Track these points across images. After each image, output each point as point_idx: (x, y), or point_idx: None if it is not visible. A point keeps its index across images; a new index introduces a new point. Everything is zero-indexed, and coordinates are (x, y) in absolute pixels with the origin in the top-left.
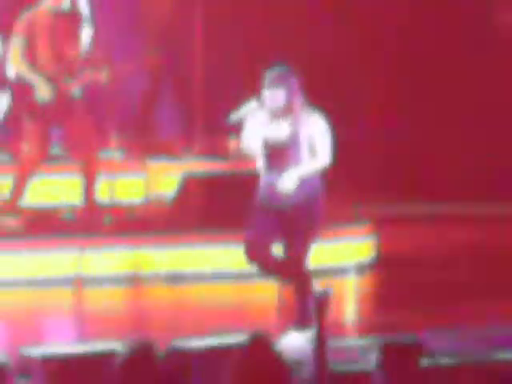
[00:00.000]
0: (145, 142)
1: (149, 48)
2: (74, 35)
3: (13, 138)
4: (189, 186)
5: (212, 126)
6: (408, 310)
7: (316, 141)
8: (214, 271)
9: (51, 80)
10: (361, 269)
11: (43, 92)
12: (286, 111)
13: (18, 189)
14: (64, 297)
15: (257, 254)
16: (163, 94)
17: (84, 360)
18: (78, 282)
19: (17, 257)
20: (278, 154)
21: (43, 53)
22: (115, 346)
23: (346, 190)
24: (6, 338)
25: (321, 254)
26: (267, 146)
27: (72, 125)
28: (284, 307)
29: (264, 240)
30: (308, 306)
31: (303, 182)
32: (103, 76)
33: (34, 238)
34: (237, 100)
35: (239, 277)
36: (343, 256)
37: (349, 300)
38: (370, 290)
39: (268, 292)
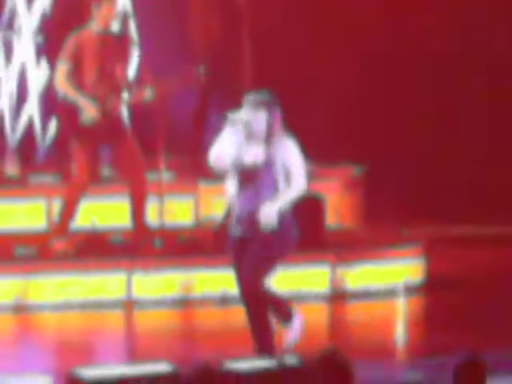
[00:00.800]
0: (195, 163)
1: (196, 64)
2: (121, 56)
3: (62, 160)
4: None
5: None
6: (458, 332)
7: (291, 165)
8: None
9: (98, 101)
10: (410, 290)
11: (90, 113)
12: (265, 135)
13: (68, 211)
14: (114, 319)
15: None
16: (213, 112)
17: (134, 382)
18: (129, 305)
19: (67, 279)
20: (252, 178)
21: (90, 75)
22: (165, 368)
23: (396, 212)
24: (56, 360)
25: (369, 275)
26: (241, 169)
27: (120, 146)
28: (336, 328)
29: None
30: (264, 334)
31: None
32: (148, 94)
33: (83, 260)
34: (285, 116)
35: (288, 298)
36: (392, 277)
37: (397, 322)
38: (420, 311)
39: (318, 314)
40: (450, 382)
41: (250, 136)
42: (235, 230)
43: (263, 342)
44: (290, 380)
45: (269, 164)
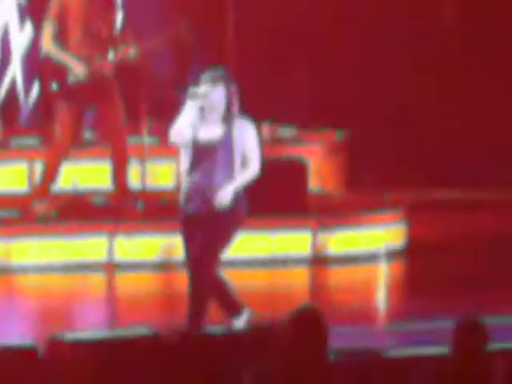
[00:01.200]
0: None
1: (180, 23)
2: (106, 16)
3: (44, 122)
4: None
5: (244, 110)
6: (438, 297)
7: (248, 148)
8: (244, 257)
9: (84, 61)
10: (391, 255)
11: (76, 73)
12: (222, 112)
13: (49, 174)
14: (96, 282)
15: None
16: (196, 74)
17: (114, 345)
18: (110, 268)
19: (48, 242)
20: (207, 156)
21: (75, 34)
22: (145, 331)
23: (378, 177)
24: (37, 323)
25: (351, 240)
26: (196, 145)
27: (106, 107)
28: (314, 292)
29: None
30: (197, 316)
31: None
32: (133, 52)
33: (65, 223)
34: (265, 87)
35: (269, 263)
36: (374, 242)
37: (379, 286)
38: (401, 276)
39: (299, 278)
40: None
41: (207, 111)
42: (186, 207)
43: (194, 322)
44: (261, 340)
45: (226, 142)
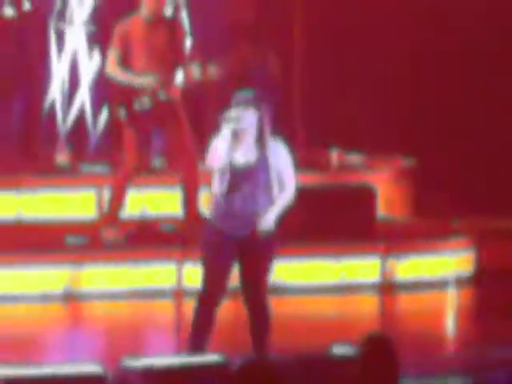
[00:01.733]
0: None
1: (248, 46)
2: (172, 41)
3: (112, 149)
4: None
5: (312, 138)
6: (509, 324)
7: (281, 169)
8: (313, 284)
9: (149, 88)
10: (460, 282)
11: (142, 99)
12: (255, 135)
13: (117, 200)
14: (164, 309)
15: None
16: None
17: (184, 372)
18: (178, 295)
19: (116, 269)
20: (246, 179)
21: (139, 63)
22: (214, 358)
23: (447, 203)
24: (105, 349)
25: (420, 266)
26: (234, 170)
27: (173, 132)
28: (384, 319)
29: (224, 269)
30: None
31: (259, 215)
32: (196, 75)
33: (133, 249)
34: (333, 114)
35: (339, 290)
36: (443, 269)
37: (448, 313)
38: (470, 303)
39: (368, 305)
40: None
41: (240, 135)
42: (224, 229)
43: (262, 348)
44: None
45: (262, 165)
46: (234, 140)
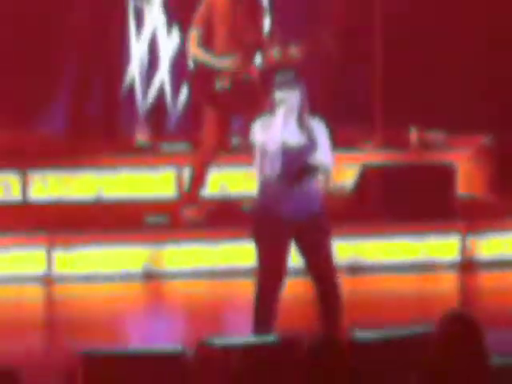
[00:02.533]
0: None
1: (326, 34)
2: (252, 20)
3: (192, 128)
4: (368, 176)
5: (392, 117)
6: None
7: (321, 146)
8: (392, 262)
9: (229, 70)
10: None
11: (223, 79)
12: (298, 115)
13: (198, 179)
14: (244, 288)
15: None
16: (341, 82)
17: (264, 350)
18: (254, 273)
19: (198, 247)
20: (297, 160)
21: (222, 41)
22: (292, 336)
23: None
24: (185, 328)
25: (501, 244)
26: (286, 151)
27: (253, 113)
28: (463, 297)
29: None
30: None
31: (313, 194)
32: (294, 52)
33: (213, 228)
34: (414, 92)
35: (418, 268)
36: None
37: None
38: None
39: (448, 283)
40: None
41: (286, 115)
42: (279, 210)
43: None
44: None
45: (312, 144)
46: (278, 123)
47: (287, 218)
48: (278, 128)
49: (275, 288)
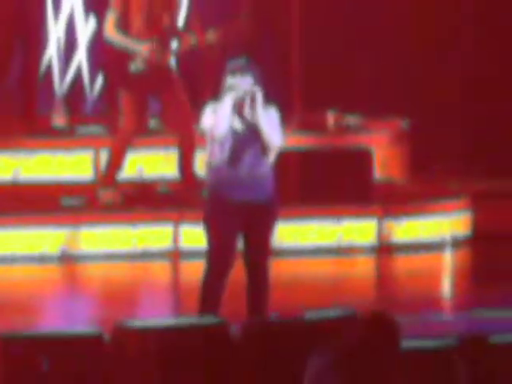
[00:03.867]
0: None
1: (243, 15)
2: (168, 4)
3: (109, 110)
4: (286, 160)
5: (310, 99)
6: (503, 286)
7: (272, 129)
8: (311, 245)
9: (145, 54)
10: (456, 244)
11: (138, 62)
12: (251, 100)
13: (115, 162)
14: (160, 270)
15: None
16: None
17: (180, 332)
18: (175, 255)
19: (114, 230)
20: (247, 145)
21: (137, 23)
22: (211, 319)
23: (443, 165)
24: (102, 310)
25: (416, 228)
26: (235, 137)
27: (169, 96)
28: (380, 280)
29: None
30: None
31: (264, 179)
32: (193, 41)
33: (130, 211)
34: (336, 74)
35: (336, 251)
36: (439, 231)
37: (444, 274)
38: (466, 264)
39: (365, 266)
40: None
41: (237, 102)
42: (230, 195)
43: (260, 311)
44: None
45: (257, 130)
46: (233, 107)
47: (236, 202)
48: (226, 113)
49: (224, 271)
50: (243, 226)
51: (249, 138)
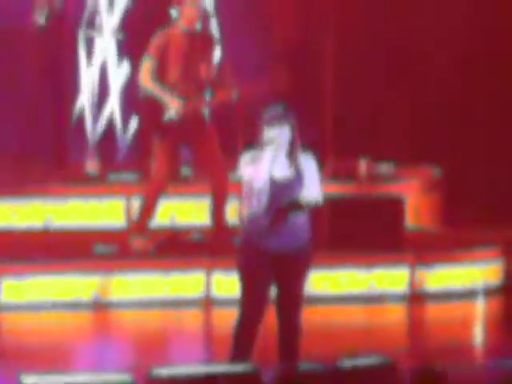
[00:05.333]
0: None
1: (279, 69)
2: (206, 55)
3: (142, 158)
4: (317, 208)
5: (341, 147)
6: None
7: (310, 181)
8: (343, 293)
9: (181, 99)
10: (488, 292)
11: (174, 108)
12: (289, 149)
13: (147, 209)
14: (193, 318)
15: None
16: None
17: (210, 380)
18: (207, 304)
19: (145, 277)
20: (284, 194)
21: (174, 73)
22: (244, 367)
23: (475, 214)
24: (134, 358)
25: (448, 276)
26: (274, 185)
27: (202, 145)
28: (412, 329)
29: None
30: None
31: (300, 228)
32: (232, 95)
33: (162, 258)
34: (368, 123)
35: (366, 300)
36: (471, 279)
37: (476, 323)
38: (498, 313)
39: (397, 315)
40: None
41: (276, 150)
42: (264, 244)
43: (293, 360)
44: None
45: (298, 179)
46: (268, 158)
47: (272, 252)
48: (266, 164)
49: (257, 318)
50: (277, 274)
51: (287, 188)
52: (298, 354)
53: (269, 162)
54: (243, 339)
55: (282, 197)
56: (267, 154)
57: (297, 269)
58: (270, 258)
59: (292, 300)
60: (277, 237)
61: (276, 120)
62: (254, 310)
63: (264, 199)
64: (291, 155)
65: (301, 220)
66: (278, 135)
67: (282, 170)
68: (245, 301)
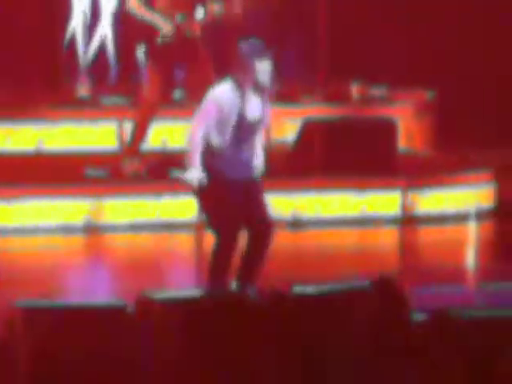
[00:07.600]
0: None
1: None
2: None
3: (133, 81)
4: (309, 130)
5: (334, 70)
6: None
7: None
8: (335, 216)
9: (172, 21)
10: (480, 215)
11: (163, 32)
12: (263, 86)
13: (139, 133)
14: (184, 241)
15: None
16: (285, 34)
17: (204, 304)
18: (199, 226)
19: (138, 201)
20: (252, 131)
21: None
22: (231, 291)
23: (468, 137)
24: (126, 281)
25: (440, 199)
26: (243, 122)
27: (193, 67)
28: (403, 252)
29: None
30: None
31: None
32: (218, 9)
33: (154, 182)
34: (356, 46)
35: (359, 222)
36: (463, 202)
37: (468, 246)
38: (490, 236)
39: (388, 238)
40: None
41: (255, 88)
42: (232, 174)
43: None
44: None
45: (264, 118)
46: (243, 93)
47: (239, 182)
48: (247, 103)
49: (235, 243)
50: (245, 197)
51: (256, 125)
52: (257, 275)
53: (249, 101)
54: (223, 265)
55: (250, 134)
56: (248, 93)
57: (259, 189)
58: (241, 184)
59: (262, 208)
60: (240, 165)
61: (264, 54)
62: (234, 235)
63: (236, 134)
64: (260, 94)
65: (258, 147)
66: (267, 69)
67: (253, 110)
68: (224, 228)
